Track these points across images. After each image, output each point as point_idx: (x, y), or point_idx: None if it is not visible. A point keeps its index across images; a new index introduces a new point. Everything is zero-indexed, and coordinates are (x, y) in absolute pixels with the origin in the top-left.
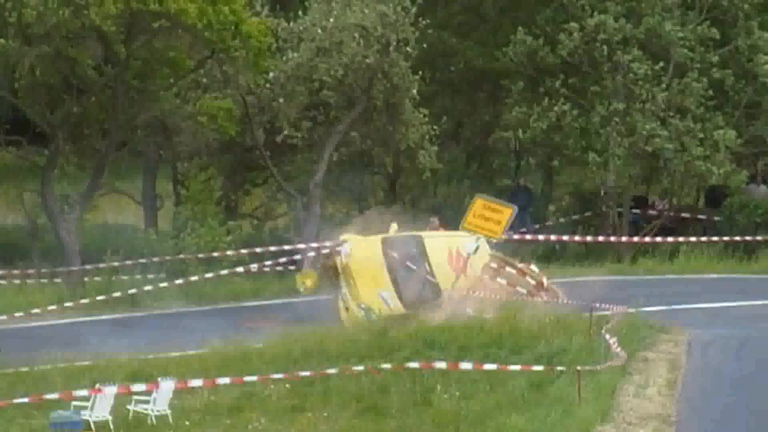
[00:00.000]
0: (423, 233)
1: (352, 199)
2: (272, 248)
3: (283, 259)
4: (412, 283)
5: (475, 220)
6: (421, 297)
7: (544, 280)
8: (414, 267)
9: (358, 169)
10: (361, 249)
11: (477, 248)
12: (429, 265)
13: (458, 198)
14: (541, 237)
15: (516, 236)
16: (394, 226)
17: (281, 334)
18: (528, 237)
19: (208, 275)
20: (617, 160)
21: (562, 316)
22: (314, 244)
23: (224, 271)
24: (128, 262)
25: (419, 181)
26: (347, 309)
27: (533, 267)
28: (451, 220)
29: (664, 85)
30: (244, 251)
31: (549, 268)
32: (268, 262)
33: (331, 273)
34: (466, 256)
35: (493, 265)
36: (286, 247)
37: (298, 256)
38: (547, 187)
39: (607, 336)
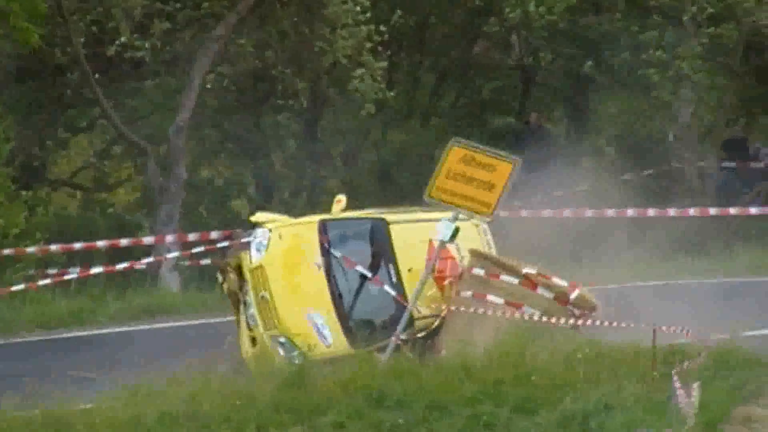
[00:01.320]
0: (389, 215)
1: (242, 156)
2: (101, 243)
3: (122, 265)
4: (365, 301)
5: (450, 183)
6: (378, 324)
7: (573, 293)
8: (370, 272)
9: (250, 103)
10: (285, 240)
11: (454, 233)
12: (395, 268)
13: (422, 152)
14: (568, 212)
15: (524, 212)
16: (340, 200)
17: (127, 386)
18: (547, 213)
19: None
20: (694, 63)
21: (606, 349)
22: (171, 237)
23: (20, 285)
24: None
25: (355, 122)
26: (254, 341)
27: (555, 278)
28: (414, 194)
29: None
30: (55, 247)
31: (580, 269)
32: (97, 269)
33: (232, 281)
34: (439, 247)
35: (479, 271)
36: (124, 242)
37: (149, 259)
38: (577, 127)
39: (678, 383)
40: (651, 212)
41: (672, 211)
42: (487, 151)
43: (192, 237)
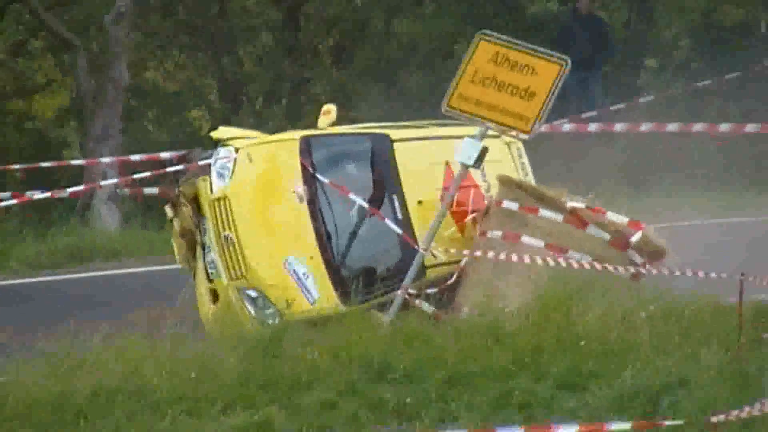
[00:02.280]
0: (394, 131)
1: (200, 52)
2: (14, 165)
3: (42, 194)
4: (362, 242)
5: (476, 89)
6: (379, 274)
7: (635, 234)
8: (368, 204)
9: None
10: (257, 163)
11: (480, 155)
12: (401, 199)
13: (437, 47)
14: (620, 126)
15: (566, 125)
16: (329, 110)
17: (49, 354)
18: (593, 127)
19: None
20: None
21: (678, 307)
22: (107, 158)
23: None
24: None
25: (350, 7)
26: (215, 296)
27: (611, 214)
28: (427, 103)
29: None
30: None
31: (641, 201)
32: (9, 201)
33: (188, 216)
34: (460, 173)
35: (511, 204)
36: (45, 164)
37: (79, 187)
38: (640, 16)
39: None
40: (724, 127)
41: (750, 127)
42: (527, 48)
43: (135, 158)
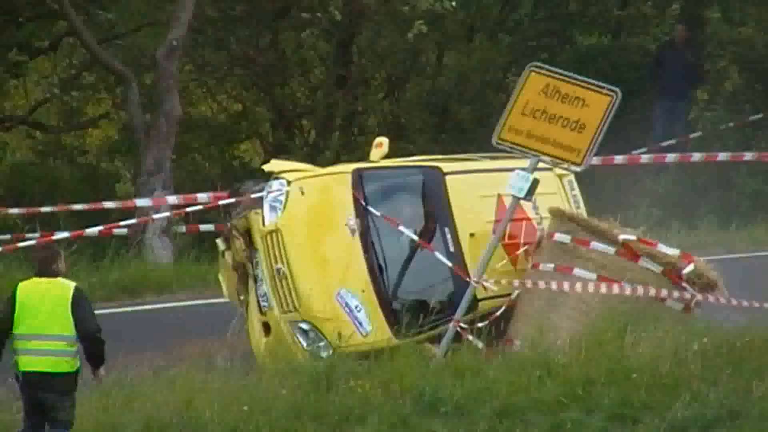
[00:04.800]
0: (446, 163)
1: (253, 85)
2: (78, 206)
3: (95, 229)
4: (414, 275)
5: (527, 121)
6: (430, 306)
7: (687, 266)
8: (420, 238)
9: (264, 15)
10: (309, 196)
11: (531, 188)
12: (453, 232)
13: (489, 80)
14: (671, 157)
15: (618, 158)
16: (381, 143)
17: (101, 387)
18: (645, 159)
19: None
20: None
21: (729, 338)
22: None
23: None
24: None
25: (403, 41)
26: (267, 328)
27: (663, 246)
28: (479, 135)
29: None
30: (15, 211)
31: (694, 233)
32: (63, 234)
33: (240, 249)
34: (512, 205)
35: (563, 236)
36: (109, 204)
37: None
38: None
39: None
40: None
41: None
42: (577, 80)
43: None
